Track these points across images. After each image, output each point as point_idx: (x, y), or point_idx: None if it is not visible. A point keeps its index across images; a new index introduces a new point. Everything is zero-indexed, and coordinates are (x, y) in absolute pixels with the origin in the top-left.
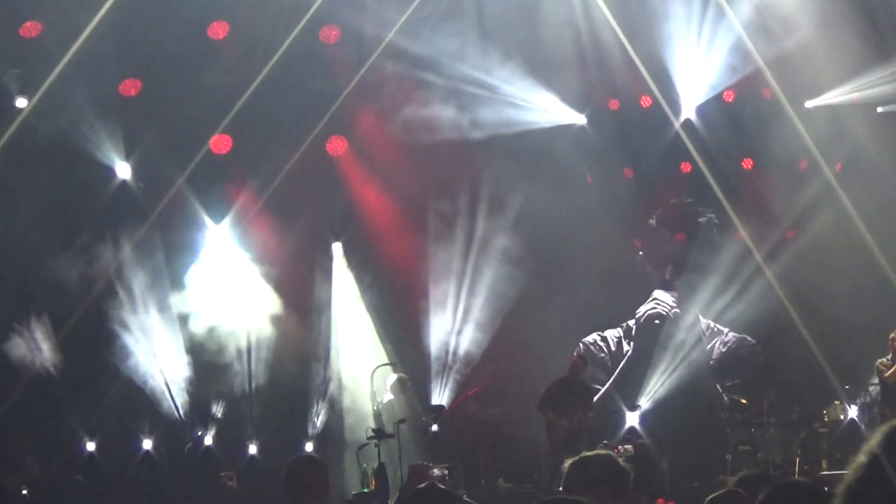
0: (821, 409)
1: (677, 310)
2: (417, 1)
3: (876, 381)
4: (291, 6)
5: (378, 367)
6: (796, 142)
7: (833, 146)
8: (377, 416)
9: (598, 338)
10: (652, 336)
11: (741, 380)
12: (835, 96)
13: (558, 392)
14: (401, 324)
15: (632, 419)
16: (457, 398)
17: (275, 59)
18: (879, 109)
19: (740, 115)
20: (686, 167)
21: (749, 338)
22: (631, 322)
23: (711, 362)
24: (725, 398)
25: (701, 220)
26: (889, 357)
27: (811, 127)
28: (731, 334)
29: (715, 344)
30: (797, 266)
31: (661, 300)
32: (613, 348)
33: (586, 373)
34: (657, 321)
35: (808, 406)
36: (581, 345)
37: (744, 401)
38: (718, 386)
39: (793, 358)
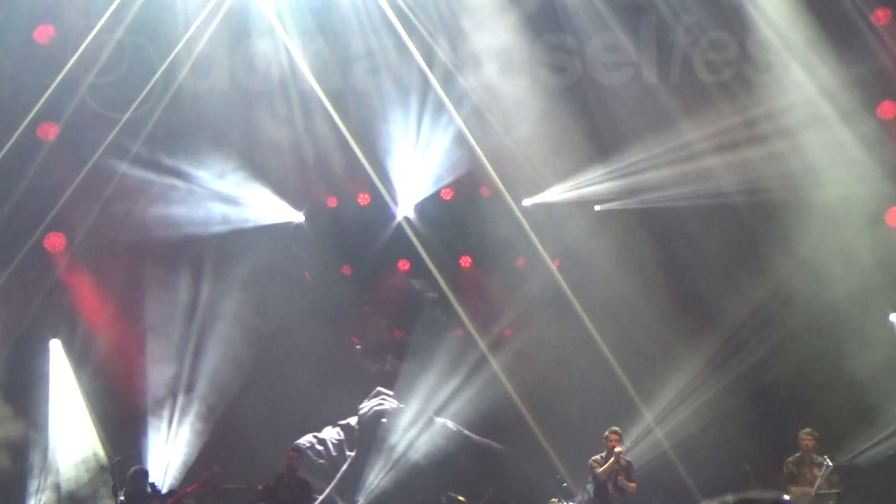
0: None
1: (401, 405)
2: (138, 99)
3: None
4: (12, 103)
5: (118, 459)
6: (514, 239)
7: (551, 243)
8: None
9: (314, 440)
10: (379, 434)
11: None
12: (553, 194)
13: (276, 488)
14: (118, 418)
15: None
16: (176, 493)
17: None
18: (597, 208)
19: (458, 212)
20: (404, 265)
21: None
22: (352, 420)
23: (422, 459)
24: (443, 497)
25: (427, 296)
26: (603, 454)
27: (530, 224)
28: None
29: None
30: (520, 362)
31: (386, 395)
32: (334, 452)
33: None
34: (384, 419)
35: (525, 503)
36: (294, 448)
37: (461, 497)
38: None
39: (514, 453)
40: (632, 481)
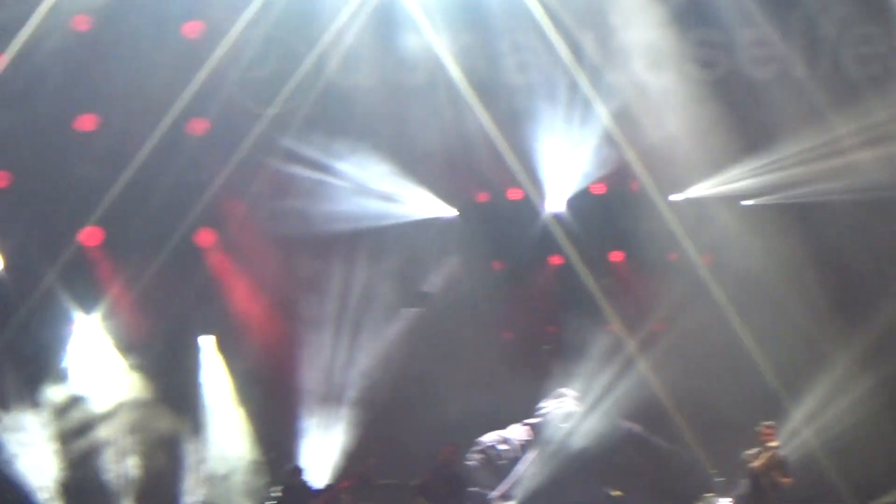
0: (694, 502)
1: (583, 406)
2: (286, 94)
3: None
4: (161, 99)
5: (273, 455)
6: (665, 234)
7: (702, 238)
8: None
9: (498, 438)
10: (558, 436)
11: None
12: (703, 189)
13: (432, 482)
14: (272, 414)
15: None
16: (328, 490)
17: (144, 151)
18: (746, 203)
19: (609, 207)
20: (556, 260)
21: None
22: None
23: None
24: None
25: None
26: (757, 450)
27: (680, 219)
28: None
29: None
30: (668, 358)
31: (568, 396)
32: (518, 453)
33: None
34: (563, 423)
35: (680, 498)
36: (477, 445)
37: (617, 492)
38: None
39: (666, 449)
40: (787, 476)
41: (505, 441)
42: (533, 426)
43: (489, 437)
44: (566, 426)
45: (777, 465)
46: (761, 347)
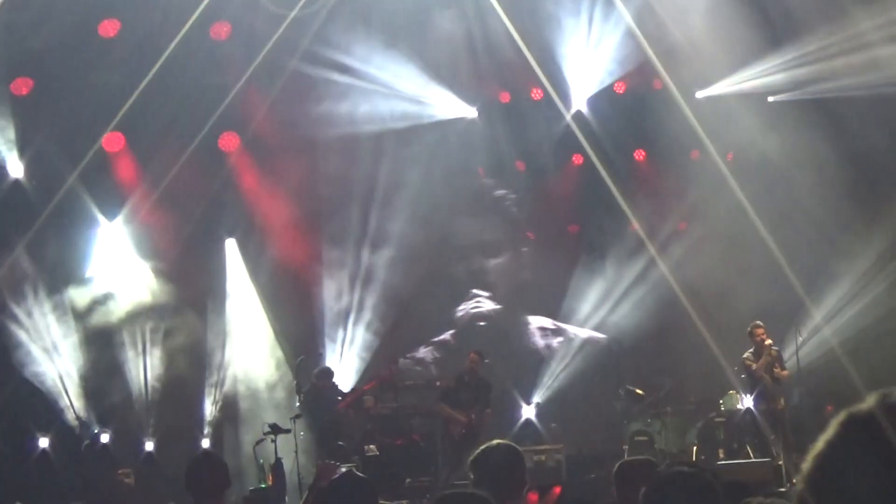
0: (717, 399)
1: (499, 305)
2: None
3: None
4: (181, 3)
5: (301, 358)
6: (687, 132)
7: (724, 136)
8: (303, 406)
9: (410, 362)
10: (477, 337)
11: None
12: (725, 86)
13: (456, 387)
14: (296, 318)
15: (528, 412)
16: (353, 392)
17: (165, 55)
18: (770, 99)
19: (632, 106)
20: (578, 159)
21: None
22: (448, 334)
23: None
24: (621, 390)
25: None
26: (752, 350)
27: (702, 117)
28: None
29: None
30: (690, 257)
31: (482, 296)
32: (434, 370)
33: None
34: (482, 322)
35: (704, 396)
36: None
37: (639, 391)
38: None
39: (687, 348)
40: (784, 369)
41: (418, 362)
42: (438, 343)
43: (402, 365)
44: (482, 325)
45: (775, 361)
46: (783, 246)
